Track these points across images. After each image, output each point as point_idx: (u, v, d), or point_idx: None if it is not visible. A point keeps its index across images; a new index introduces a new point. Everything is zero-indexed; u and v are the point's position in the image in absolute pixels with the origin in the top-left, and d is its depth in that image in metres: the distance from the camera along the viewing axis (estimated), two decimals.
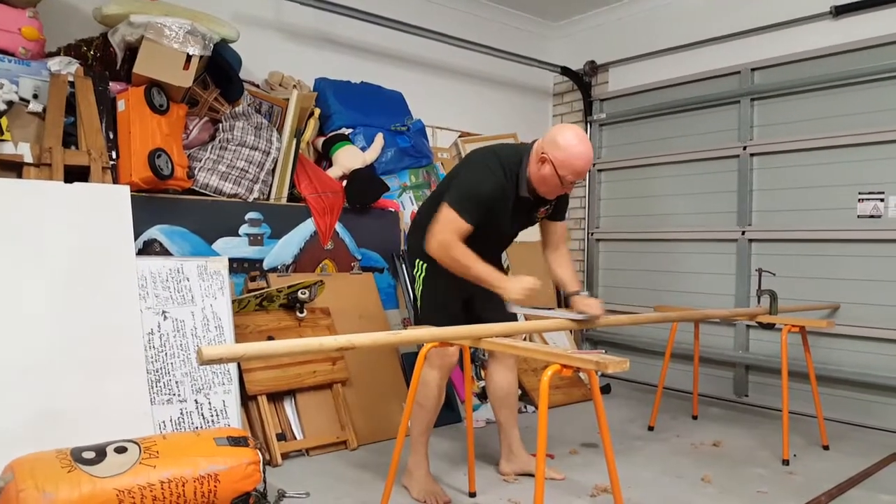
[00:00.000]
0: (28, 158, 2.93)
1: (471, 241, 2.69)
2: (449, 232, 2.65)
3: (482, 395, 4.08)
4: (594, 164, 5.59)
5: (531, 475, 3.07)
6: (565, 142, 2.63)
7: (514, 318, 2.97)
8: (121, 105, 3.25)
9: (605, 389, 4.83)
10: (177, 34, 3.25)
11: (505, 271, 3.10)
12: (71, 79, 3.15)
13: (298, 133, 3.95)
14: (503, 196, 2.75)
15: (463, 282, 2.73)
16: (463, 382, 4.00)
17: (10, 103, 2.97)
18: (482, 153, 2.86)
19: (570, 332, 5.00)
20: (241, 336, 3.28)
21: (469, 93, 5.40)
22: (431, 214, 2.77)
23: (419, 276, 2.93)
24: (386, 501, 2.60)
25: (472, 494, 2.85)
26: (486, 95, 5.52)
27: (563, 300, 3.02)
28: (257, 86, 4.10)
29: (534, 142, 2.80)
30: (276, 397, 3.35)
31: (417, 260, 2.93)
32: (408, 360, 3.89)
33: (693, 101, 4.90)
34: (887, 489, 2.99)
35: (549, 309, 2.88)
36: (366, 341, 2.05)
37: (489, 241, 2.86)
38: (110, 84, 3.30)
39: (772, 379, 4.44)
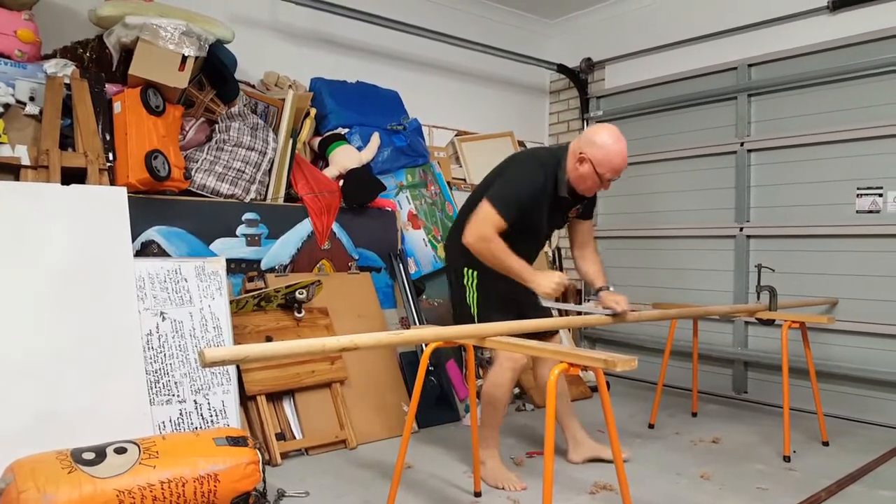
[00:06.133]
0: (25, 161, 2.94)
1: (508, 240, 2.80)
2: (487, 226, 2.77)
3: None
4: None
5: (601, 460, 3.22)
6: (602, 141, 2.78)
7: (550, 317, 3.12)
8: (117, 107, 3.25)
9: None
10: (172, 35, 3.25)
11: None
12: (67, 81, 3.15)
13: (294, 133, 3.95)
14: (542, 196, 2.89)
15: (511, 284, 2.86)
16: (461, 382, 4.00)
17: (6, 106, 2.98)
18: (523, 156, 3.10)
19: (569, 329, 4.99)
20: (239, 336, 3.28)
21: (465, 91, 5.40)
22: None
23: (470, 284, 3.02)
24: (392, 501, 2.60)
25: (478, 494, 2.85)
26: (483, 94, 5.52)
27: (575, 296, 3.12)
28: (253, 86, 4.10)
29: (569, 143, 2.94)
30: (275, 397, 3.35)
31: (465, 268, 3.03)
32: (406, 360, 3.89)
33: (690, 98, 4.90)
34: (887, 485, 2.99)
35: (578, 304, 2.99)
36: (369, 341, 2.03)
37: (525, 240, 2.99)
38: (106, 86, 3.30)
39: (770, 375, 4.45)
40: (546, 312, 3.11)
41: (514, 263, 2.77)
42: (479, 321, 2.97)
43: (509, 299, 3.01)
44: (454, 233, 3.12)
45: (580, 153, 2.82)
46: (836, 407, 4.09)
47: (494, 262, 2.79)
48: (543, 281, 2.73)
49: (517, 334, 2.46)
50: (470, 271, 3.01)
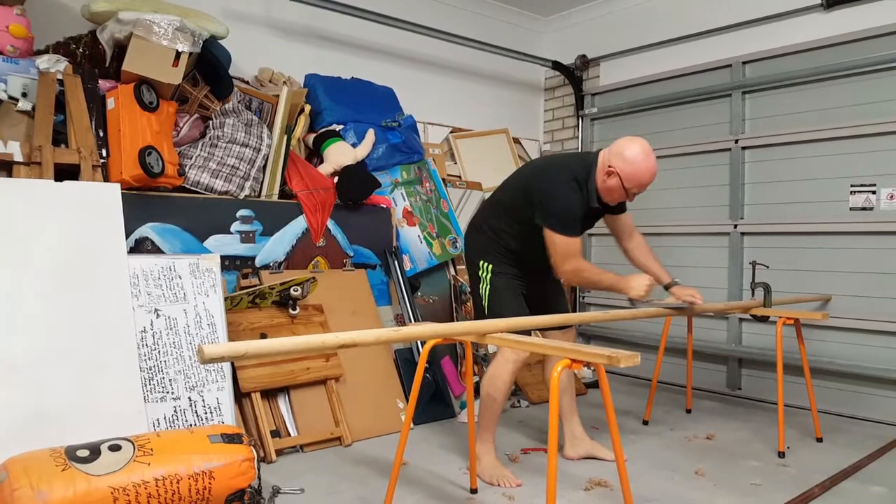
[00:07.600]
0: (18, 157, 2.92)
1: (540, 247, 2.90)
2: (574, 258, 2.87)
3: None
4: None
5: (595, 458, 3.22)
6: (633, 156, 2.78)
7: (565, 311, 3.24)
8: (110, 103, 3.24)
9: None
10: (166, 31, 3.24)
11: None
12: (60, 77, 3.14)
13: (289, 129, 3.94)
14: (581, 207, 2.92)
15: (522, 279, 3.03)
16: (456, 379, 4.00)
17: None
18: (557, 170, 2.95)
19: None
20: (233, 334, 3.27)
21: (460, 88, 5.40)
22: (492, 217, 3.07)
23: (485, 277, 3.06)
24: (390, 497, 2.60)
25: (474, 490, 2.84)
26: (478, 91, 5.52)
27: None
28: (247, 82, 4.09)
29: (597, 152, 2.94)
30: (269, 394, 3.34)
31: (481, 261, 3.08)
32: (401, 356, 3.89)
33: (685, 95, 4.91)
34: (880, 481, 3.00)
35: (658, 300, 3.19)
36: (369, 338, 2.00)
37: None
38: (100, 82, 3.29)
39: (764, 372, 4.46)
40: (560, 308, 3.20)
41: (606, 278, 2.91)
42: (489, 314, 3.01)
43: (520, 294, 3.05)
44: (473, 228, 3.20)
45: (609, 166, 2.83)
46: (830, 403, 4.11)
47: (592, 285, 2.98)
48: (635, 284, 2.85)
49: (519, 331, 2.45)
50: (485, 264, 3.05)
